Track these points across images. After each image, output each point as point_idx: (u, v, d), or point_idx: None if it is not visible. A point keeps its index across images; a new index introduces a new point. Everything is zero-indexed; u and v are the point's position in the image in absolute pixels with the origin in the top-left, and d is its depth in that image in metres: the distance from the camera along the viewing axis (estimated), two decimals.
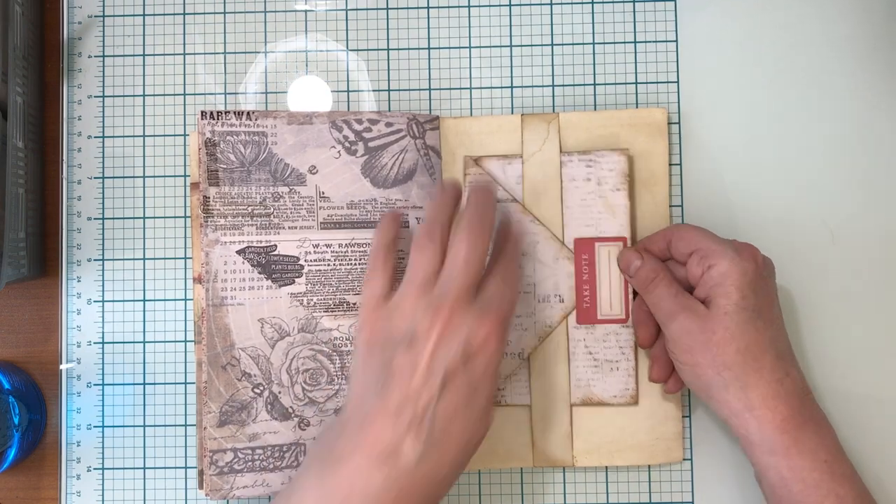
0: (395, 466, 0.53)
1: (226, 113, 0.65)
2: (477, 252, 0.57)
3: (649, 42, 0.70)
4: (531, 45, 0.70)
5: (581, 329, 0.67)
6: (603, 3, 0.70)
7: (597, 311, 0.67)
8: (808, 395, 0.60)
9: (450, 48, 0.70)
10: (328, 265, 0.65)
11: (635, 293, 0.66)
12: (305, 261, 0.65)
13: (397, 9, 0.70)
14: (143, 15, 0.70)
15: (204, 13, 0.70)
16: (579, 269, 0.67)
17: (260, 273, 0.65)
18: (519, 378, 0.67)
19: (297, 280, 0.65)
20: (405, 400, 0.54)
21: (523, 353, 0.67)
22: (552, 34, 0.70)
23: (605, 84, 0.69)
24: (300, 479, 0.55)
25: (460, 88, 0.70)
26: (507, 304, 0.57)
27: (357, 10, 0.70)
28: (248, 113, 0.65)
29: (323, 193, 0.66)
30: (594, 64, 0.70)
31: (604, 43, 0.70)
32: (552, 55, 0.70)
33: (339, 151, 0.66)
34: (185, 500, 0.68)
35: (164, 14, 0.70)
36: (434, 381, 0.54)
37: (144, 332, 0.69)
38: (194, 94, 0.70)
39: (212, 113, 0.65)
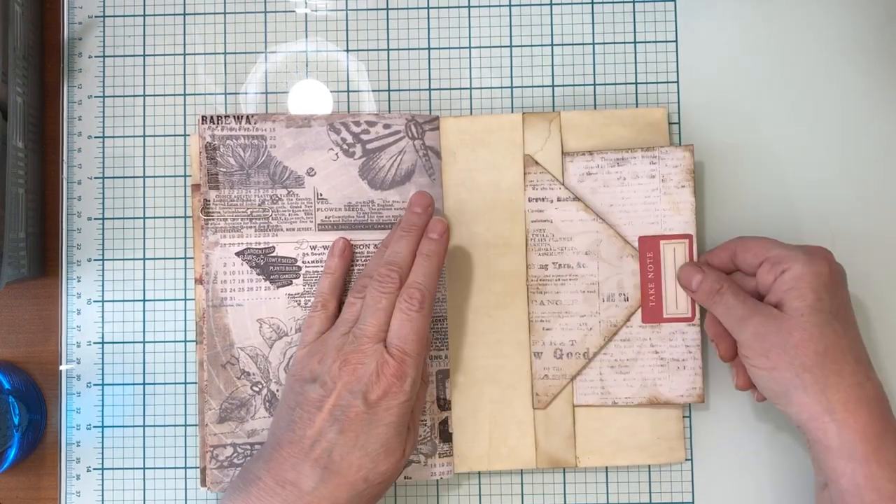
0: (293, 491, 0.57)
1: (225, 117, 0.65)
2: (379, 299, 0.60)
3: (649, 42, 0.70)
4: (531, 46, 0.70)
5: (647, 328, 0.67)
6: (603, 3, 0.70)
7: (663, 309, 0.66)
8: (888, 404, 0.59)
9: (450, 48, 0.70)
10: None
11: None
12: (303, 262, 0.65)
13: (397, 9, 0.70)
14: (144, 15, 0.70)
15: (204, 13, 0.70)
16: (644, 267, 0.67)
17: (258, 274, 0.65)
18: (591, 377, 0.67)
19: (294, 281, 0.65)
20: (308, 435, 0.58)
21: (588, 353, 0.66)
22: (552, 34, 0.70)
23: (605, 84, 0.69)
24: (223, 498, 0.59)
25: (460, 89, 0.70)
26: (410, 344, 0.59)
27: (357, 10, 0.70)
28: (248, 117, 0.66)
29: (321, 195, 0.66)
30: (594, 64, 0.70)
31: (604, 43, 0.70)
32: (552, 55, 0.70)
33: (336, 154, 0.66)
34: (185, 499, 0.68)
35: (164, 14, 0.70)
36: (334, 421, 0.57)
37: (144, 332, 0.69)
38: (194, 95, 0.70)
39: (212, 117, 0.65)
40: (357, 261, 0.65)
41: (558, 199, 0.67)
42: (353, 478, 0.57)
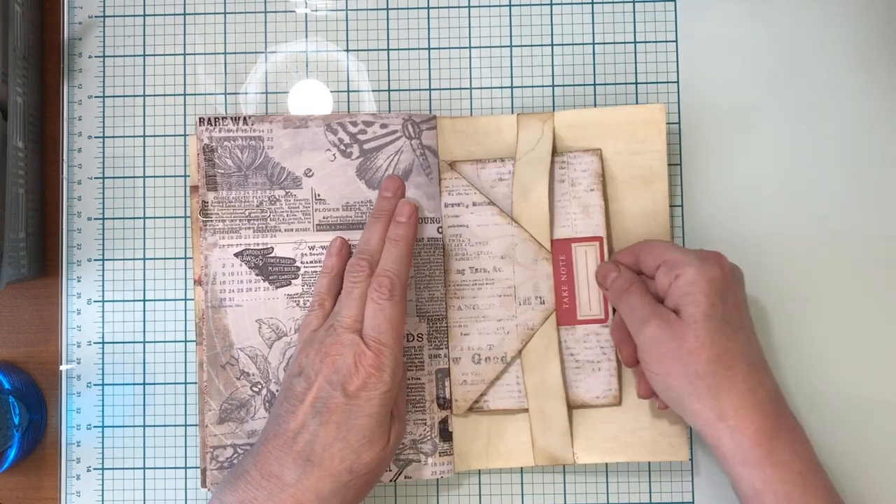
0: (277, 484, 0.57)
1: (223, 119, 0.66)
2: (351, 290, 0.61)
3: (649, 42, 0.69)
4: (531, 46, 0.70)
5: (561, 330, 0.67)
6: (603, 3, 0.70)
7: (576, 311, 0.67)
8: (783, 405, 0.59)
9: (450, 48, 0.70)
10: None
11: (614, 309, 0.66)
12: (301, 262, 0.65)
13: (397, 9, 0.70)
14: (144, 15, 0.70)
15: (204, 13, 0.70)
16: (557, 270, 0.67)
17: (257, 275, 0.65)
18: (509, 381, 0.67)
19: (293, 281, 0.65)
20: (291, 428, 0.58)
21: (506, 357, 0.66)
22: (552, 34, 0.70)
23: (604, 84, 0.69)
24: (215, 493, 0.59)
25: (460, 88, 0.70)
26: (385, 334, 0.59)
27: (357, 10, 0.70)
28: (245, 118, 0.66)
29: (318, 196, 0.66)
30: (594, 64, 0.69)
31: (604, 43, 0.70)
32: (552, 55, 0.70)
33: (334, 154, 0.66)
34: (185, 499, 0.68)
35: (164, 14, 0.70)
36: (316, 414, 0.58)
37: (144, 332, 0.69)
38: (194, 95, 0.70)
39: (209, 119, 0.65)
40: None
41: (474, 204, 0.67)
42: (335, 469, 0.57)
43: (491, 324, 0.66)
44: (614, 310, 0.66)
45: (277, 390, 0.65)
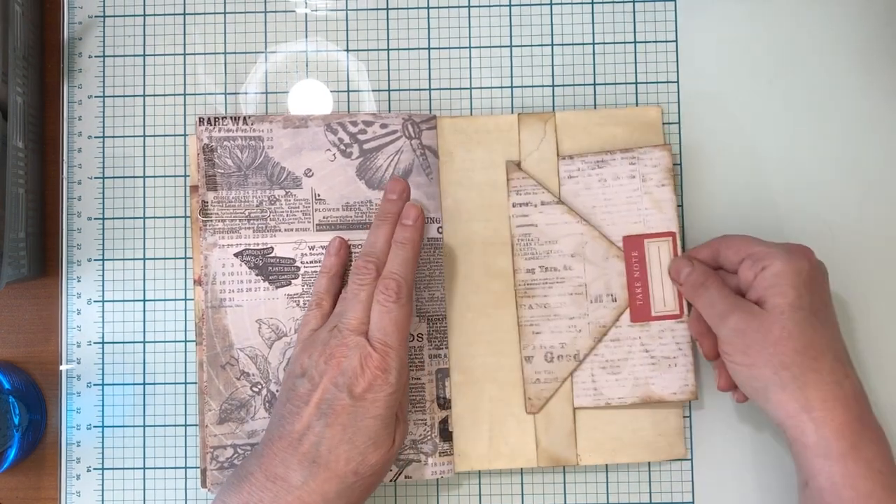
0: (283, 486, 0.57)
1: (223, 118, 0.66)
2: (358, 292, 0.61)
3: (649, 42, 0.69)
4: (531, 46, 0.70)
5: (636, 327, 0.67)
6: (603, 3, 0.70)
7: (650, 307, 0.67)
8: (867, 402, 0.59)
9: (450, 48, 0.70)
10: None
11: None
12: (301, 262, 0.65)
13: (397, 9, 0.70)
14: (144, 15, 0.70)
15: (204, 13, 0.70)
16: (630, 266, 0.67)
17: (257, 275, 0.65)
18: (584, 379, 0.67)
19: (293, 281, 0.65)
20: (296, 429, 0.58)
21: (579, 355, 0.66)
22: (552, 34, 0.70)
23: (604, 84, 0.69)
24: (219, 494, 0.59)
25: (460, 88, 0.70)
26: (392, 336, 0.59)
27: (357, 10, 0.70)
28: (245, 118, 0.66)
29: (318, 196, 0.66)
30: (594, 64, 0.69)
31: (604, 43, 0.70)
32: (552, 55, 0.70)
33: (334, 154, 0.66)
34: (185, 499, 0.68)
35: (164, 14, 0.70)
36: (321, 415, 0.58)
37: (144, 332, 0.69)
38: (194, 95, 0.70)
39: (209, 119, 0.65)
40: (354, 260, 0.65)
41: (542, 203, 0.67)
42: (341, 471, 0.57)
43: (563, 322, 0.67)
44: (689, 305, 0.66)
45: (277, 390, 0.65)
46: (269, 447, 0.58)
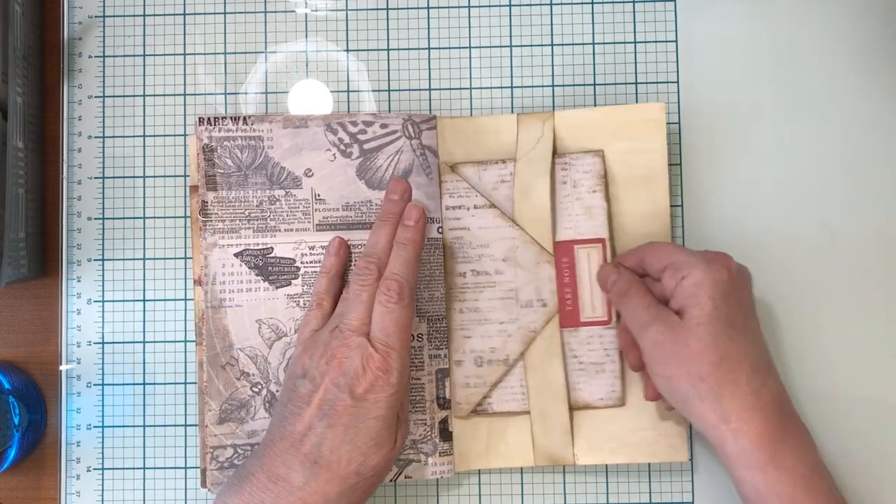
0: (284, 486, 0.57)
1: (222, 118, 0.65)
2: (359, 293, 0.60)
3: (649, 42, 0.69)
4: (531, 45, 0.70)
5: (565, 333, 0.67)
6: (603, 3, 0.70)
7: (579, 314, 0.67)
8: (790, 406, 0.59)
9: (450, 48, 0.70)
10: None
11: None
12: (301, 262, 0.65)
13: (397, 9, 0.70)
14: (144, 15, 0.70)
15: (204, 13, 0.70)
16: (560, 272, 0.67)
17: (257, 275, 0.65)
18: (512, 383, 0.67)
19: (293, 282, 0.65)
20: (297, 430, 0.58)
21: (508, 360, 0.66)
22: (552, 34, 0.70)
23: (604, 84, 0.69)
24: (220, 494, 0.59)
25: (460, 89, 0.70)
26: (393, 337, 0.59)
27: (357, 10, 0.70)
28: (245, 118, 0.66)
29: (318, 196, 0.66)
30: (594, 64, 0.69)
31: (604, 43, 0.70)
32: (552, 55, 0.70)
33: (334, 154, 0.66)
34: (185, 499, 0.68)
35: (164, 14, 0.70)
36: (322, 416, 0.58)
37: (144, 332, 0.69)
38: (194, 95, 0.70)
39: (209, 119, 0.65)
40: (354, 260, 0.65)
41: (475, 207, 0.67)
42: (343, 472, 0.57)
43: (493, 326, 0.66)
44: (618, 313, 0.66)
45: (278, 391, 0.65)
46: (271, 448, 0.58)
